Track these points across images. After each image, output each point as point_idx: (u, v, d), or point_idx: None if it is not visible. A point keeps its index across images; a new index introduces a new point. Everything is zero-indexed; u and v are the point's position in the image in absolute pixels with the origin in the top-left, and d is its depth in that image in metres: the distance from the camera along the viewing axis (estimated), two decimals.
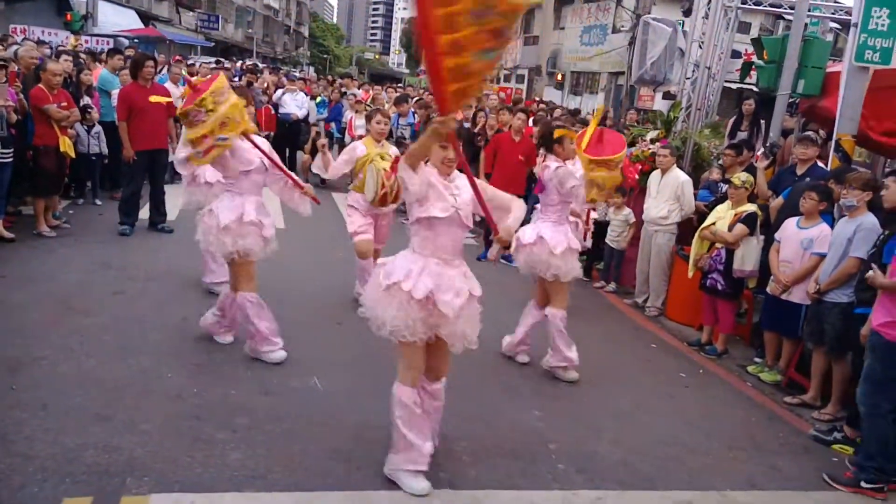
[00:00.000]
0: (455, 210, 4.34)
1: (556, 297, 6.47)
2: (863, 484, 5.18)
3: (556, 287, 6.45)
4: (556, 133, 6.51)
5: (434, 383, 4.66)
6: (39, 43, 15.49)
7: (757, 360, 7.52)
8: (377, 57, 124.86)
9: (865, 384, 5.23)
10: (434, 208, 4.30)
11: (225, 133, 5.59)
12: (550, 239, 6.35)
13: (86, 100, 10.32)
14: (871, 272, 5.23)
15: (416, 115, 13.25)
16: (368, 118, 7.45)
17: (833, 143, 7.70)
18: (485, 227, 10.89)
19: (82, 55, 13.99)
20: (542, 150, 7.12)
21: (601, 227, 9.69)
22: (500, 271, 9.62)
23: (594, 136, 6.67)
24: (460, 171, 4.45)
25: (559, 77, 37.26)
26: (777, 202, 7.71)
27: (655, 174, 8.94)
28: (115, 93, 11.04)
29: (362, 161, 7.12)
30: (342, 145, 14.66)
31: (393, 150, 7.32)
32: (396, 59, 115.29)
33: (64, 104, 8.95)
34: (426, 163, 4.34)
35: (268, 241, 6.06)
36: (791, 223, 7.04)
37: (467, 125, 12.92)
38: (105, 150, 10.49)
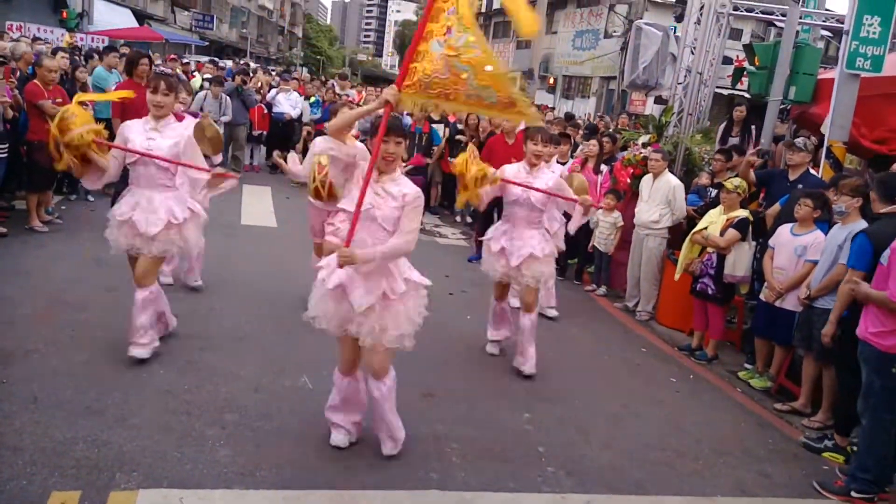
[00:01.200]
0: (372, 208, 4.37)
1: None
2: (853, 494, 5.18)
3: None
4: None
5: (373, 379, 4.67)
6: (35, 40, 15.47)
7: (747, 365, 7.54)
8: (370, 58, 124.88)
9: (867, 398, 5.17)
10: (346, 199, 4.46)
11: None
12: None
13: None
14: (854, 283, 5.24)
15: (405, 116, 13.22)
16: (333, 112, 7.02)
17: (824, 149, 7.74)
18: (477, 230, 10.92)
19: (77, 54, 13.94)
20: None
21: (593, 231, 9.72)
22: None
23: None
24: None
25: (551, 81, 37.34)
26: (774, 209, 7.72)
27: (647, 178, 8.97)
28: (111, 89, 11.02)
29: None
30: None
31: (359, 147, 7.14)
32: (389, 60, 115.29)
33: (59, 100, 8.92)
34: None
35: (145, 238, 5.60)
36: (785, 230, 7.05)
37: (460, 126, 12.95)
38: None
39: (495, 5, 49.65)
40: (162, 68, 6.32)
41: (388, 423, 4.78)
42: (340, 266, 4.32)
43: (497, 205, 10.27)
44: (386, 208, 4.38)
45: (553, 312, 8.26)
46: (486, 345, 7.05)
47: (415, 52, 4.19)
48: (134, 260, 5.72)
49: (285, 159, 7.22)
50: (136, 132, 5.60)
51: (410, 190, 4.45)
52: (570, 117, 15.72)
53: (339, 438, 4.83)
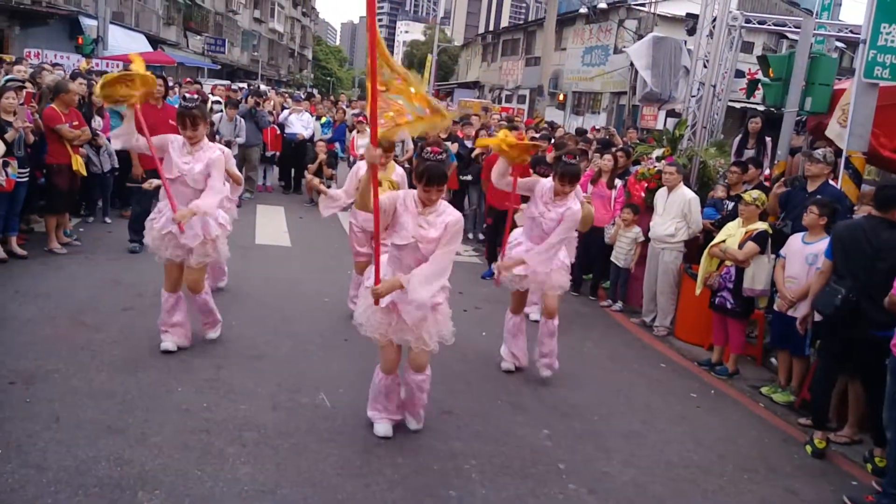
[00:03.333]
0: (414, 241, 4.81)
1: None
2: None
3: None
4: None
5: (415, 374, 5.16)
6: (53, 65, 15.62)
7: (773, 360, 7.46)
8: None
9: (892, 408, 5.12)
10: (396, 236, 4.88)
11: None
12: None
13: (97, 120, 10.36)
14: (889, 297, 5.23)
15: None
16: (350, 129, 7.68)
17: (843, 160, 7.69)
18: (487, 245, 10.92)
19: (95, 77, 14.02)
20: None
21: (608, 247, 9.69)
22: (506, 291, 9.62)
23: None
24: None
25: (561, 97, 37.38)
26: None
27: (662, 192, 8.93)
28: (126, 113, 11.09)
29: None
30: (349, 165, 14.73)
31: (398, 172, 7.40)
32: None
33: (75, 123, 9.04)
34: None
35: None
36: (797, 239, 7.02)
37: (469, 143, 12.97)
38: (116, 164, 10.52)
39: (503, 23, 49.89)
40: (185, 94, 6.38)
41: (420, 407, 5.34)
42: (375, 302, 4.86)
43: (504, 223, 10.32)
44: (427, 242, 4.82)
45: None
46: (502, 361, 7.00)
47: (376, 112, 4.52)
48: (172, 266, 6.21)
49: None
50: (176, 152, 6.02)
51: (452, 217, 4.89)
52: (581, 133, 15.69)
53: (384, 428, 5.22)
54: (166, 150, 6.02)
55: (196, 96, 6.31)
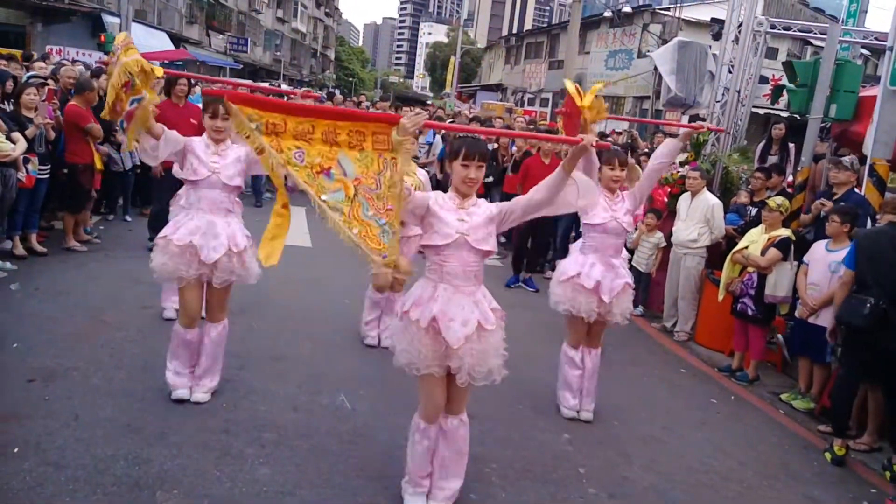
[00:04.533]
0: (460, 235, 4.19)
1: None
2: None
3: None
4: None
5: (449, 419, 4.43)
6: (74, 62, 15.71)
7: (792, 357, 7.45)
8: (402, 80, 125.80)
9: None
10: (435, 236, 4.21)
11: (135, 94, 4.94)
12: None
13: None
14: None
15: (437, 136, 13.25)
16: None
17: (867, 167, 7.62)
18: (512, 252, 10.86)
19: None
20: None
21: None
22: (530, 295, 9.60)
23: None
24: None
25: None
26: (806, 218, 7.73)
27: (685, 197, 8.89)
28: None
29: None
30: None
31: (420, 175, 6.99)
32: (420, 82, 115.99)
33: (94, 122, 9.05)
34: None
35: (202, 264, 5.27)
36: (820, 246, 7.01)
37: (490, 146, 12.93)
38: (138, 161, 10.53)
39: (527, 26, 49.77)
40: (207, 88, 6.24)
41: (455, 476, 4.52)
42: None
43: (533, 230, 10.30)
44: (475, 230, 4.22)
45: None
46: (563, 408, 6.18)
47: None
48: (187, 290, 5.34)
49: None
50: (202, 152, 5.37)
51: (493, 207, 4.37)
52: (602, 136, 15.60)
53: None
54: (186, 153, 5.34)
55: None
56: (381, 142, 3.82)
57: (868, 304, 5.75)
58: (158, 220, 9.47)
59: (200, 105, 11.67)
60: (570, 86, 5.75)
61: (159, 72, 5.05)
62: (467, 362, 4.19)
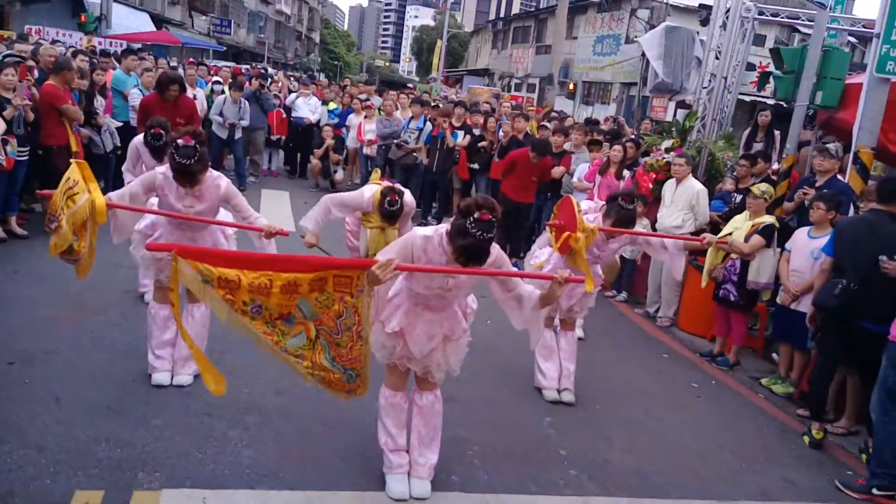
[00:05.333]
0: (441, 291, 4.12)
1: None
2: (874, 491, 5.18)
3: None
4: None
5: (424, 394, 4.50)
6: (53, 43, 15.54)
7: (775, 355, 7.52)
8: (387, 64, 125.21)
9: (880, 392, 5.23)
10: (417, 285, 4.14)
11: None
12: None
13: (99, 100, 10.30)
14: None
15: (427, 121, 13.19)
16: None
17: (851, 155, 7.65)
18: (497, 238, 10.83)
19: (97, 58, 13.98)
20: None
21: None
22: None
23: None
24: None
25: (571, 87, 37.25)
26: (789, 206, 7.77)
27: (670, 183, 8.91)
28: (129, 92, 11.07)
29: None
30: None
31: (407, 201, 6.42)
32: (406, 66, 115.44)
33: (71, 104, 8.90)
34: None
35: None
36: (802, 233, 7.07)
37: (477, 131, 12.90)
38: (118, 142, 10.39)
39: (514, 10, 49.67)
40: (178, 140, 5.61)
41: (430, 449, 4.56)
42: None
43: (516, 216, 10.30)
44: (458, 288, 4.18)
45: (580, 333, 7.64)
46: (544, 390, 6.26)
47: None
48: (162, 284, 5.27)
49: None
50: (172, 193, 5.04)
51: (491, 255, 3.99)
52: (593, 123, 15.57)
53: (399, 487, 4.42)
54: (158, 189, 5.05)
55: (192, 142, 4.83)
56: (343, 283, 3.62)
57: (839, 286, 5.85)
58: None
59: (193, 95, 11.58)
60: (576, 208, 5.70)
61: (101, 218, 4.59)
62: (431, 366, 4.37)
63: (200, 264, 3.51)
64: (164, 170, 5.04)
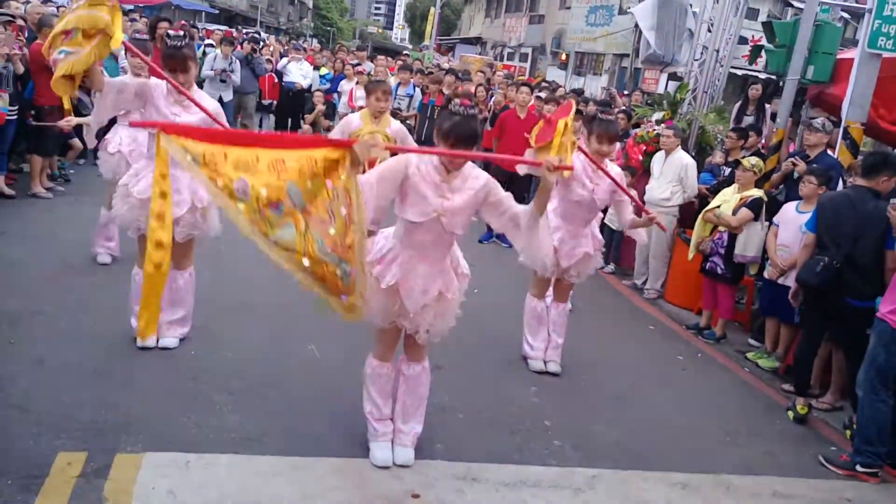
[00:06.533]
0: (436, 215, 4.03)
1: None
2: (858, 468, 5.19)
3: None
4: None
5: (411, 365, 4.48)
6: (45, 2, 15.32)
7: (752, 342, 7.58)
8: (380, 31, 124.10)
9: (868, 370, 5.21)
10: (410, 211, 4.05)
11: (70, 46, 4.26)
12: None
13: None
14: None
15: (416, 88, 13.09)
16: (368, 92, 6.74)
17: (841, 130, 7.64)
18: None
19: None
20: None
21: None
22: (503, 251, 9.59)
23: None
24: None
25: (563, 57, 37.00)
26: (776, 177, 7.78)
27: (659, 155, 8.90)
28: (120, 54, 10.92)
29: (356, 135, 6.39)
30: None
31: (394, 126, 6.82)
32: (399, 34, 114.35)
33: None
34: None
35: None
36: (790, 207, 7.07)
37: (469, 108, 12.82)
38: None
39: None
40: (168, 31, 5.79)
41: (414, 419, 4.54)
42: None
43: (509, 185, 10.24)
44: (452, 213, 4.06)
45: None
46: (528, 359, 6.25)
47: None
48: (143, 239, 4.87)
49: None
50: (161, 100, 5.04)
51: (479, 181, 4.11)
52: (579, 92, 15.55)
53: (382, 454, 4.41)
54: (147, 97, 5.00)
55: (181, 33, 5.37)
56: (331, 167, 3.56)
57: (821, 263, 5.86)
58: None
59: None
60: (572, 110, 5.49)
61: (116, 43, 4.37)
62: (422, 324, 4.25)
63: (185, 140, 3.48)
64: (155, 82, 5.07)
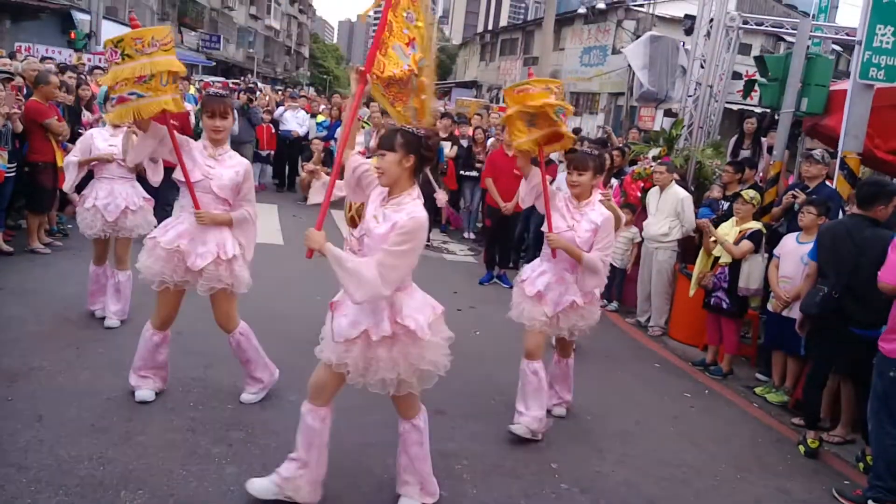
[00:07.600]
0: (361, 236, 4.01)
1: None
2: (869, 502, 5.09)
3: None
4: None
5: (400, 423, 4.31)
6: (43, 60, 15.50)
7: (759, 376, 7.50)
8: None
9: (873, 401, 5.17)
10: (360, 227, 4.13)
11: (142, 90, 4.56)
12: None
13: (86, 114, 10.24)
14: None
15: None
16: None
17: (838, 161, 7.66)
18: (485, 249, 10.78)
19: (84, 73, 13.93)
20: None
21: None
22: (504, 292, 9.55)
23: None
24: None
25: None
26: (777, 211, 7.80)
27: (654, 191, 8.92)
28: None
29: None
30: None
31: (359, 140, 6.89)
32: None
33: (55, 118, 8.81)
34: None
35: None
36: (791, 238, 7.06)
37: (465, 142, 12.87)
38: None
39: (502, 23, 49.71)
40: (213, 90, 5.75)
41: (420, 476, 4.37)
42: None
43: (503, 226, 10.26)
44: (377, 237, 3.85)
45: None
46: (515, 425, 5.50)
47: (379, 42, 4.15)
48: (166, 294, 5.16)
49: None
50: (198, 153, 5.09)
51: (405, 216, 3.80)
52: (576, 132, 15.59)
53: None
54: (185, 149, 5.03)
55: (224, 90, 5.68)
56: None
57: (821, 293, 5.85)
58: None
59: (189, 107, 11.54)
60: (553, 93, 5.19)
61: (180, 107, 4.90)
62: (349, 361, 4.00)
63: None
64: (189, 139, 5.21)
